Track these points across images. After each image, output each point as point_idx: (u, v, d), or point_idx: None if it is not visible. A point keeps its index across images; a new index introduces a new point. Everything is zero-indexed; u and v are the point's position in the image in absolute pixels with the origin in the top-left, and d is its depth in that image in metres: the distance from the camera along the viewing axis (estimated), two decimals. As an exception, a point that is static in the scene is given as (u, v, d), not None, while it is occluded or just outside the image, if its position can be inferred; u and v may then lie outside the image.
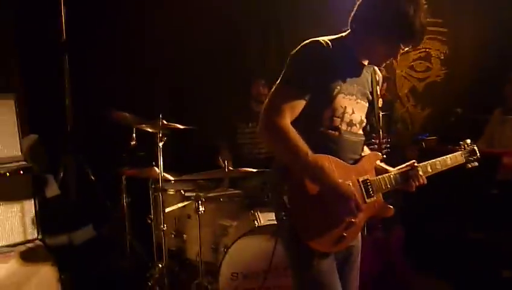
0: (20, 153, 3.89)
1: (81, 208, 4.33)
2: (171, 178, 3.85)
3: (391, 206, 2.33)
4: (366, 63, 2.29)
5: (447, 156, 2.53)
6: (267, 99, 2.13)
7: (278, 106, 2.07)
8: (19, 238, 3.78)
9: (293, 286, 2.23)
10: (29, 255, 3.73)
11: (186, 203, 3.77)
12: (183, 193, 4.10)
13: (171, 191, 4.27)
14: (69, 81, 4.78)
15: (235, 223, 3.71)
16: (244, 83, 4.67)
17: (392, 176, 2.32)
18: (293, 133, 2.05)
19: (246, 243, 3.30)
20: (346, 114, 2.21)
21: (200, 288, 3.59)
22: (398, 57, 2.25)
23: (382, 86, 4.71)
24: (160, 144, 3.69)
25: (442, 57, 5.26)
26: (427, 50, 5.28)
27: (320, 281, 2.15)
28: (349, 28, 2.24)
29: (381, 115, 2.45)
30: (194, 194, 3.72)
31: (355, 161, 2.28)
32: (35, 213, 3.91)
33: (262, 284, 3.21)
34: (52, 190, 4.17)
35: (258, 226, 3.32)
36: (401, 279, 3.58)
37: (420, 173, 2.37)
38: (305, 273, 2.17)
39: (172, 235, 4.16)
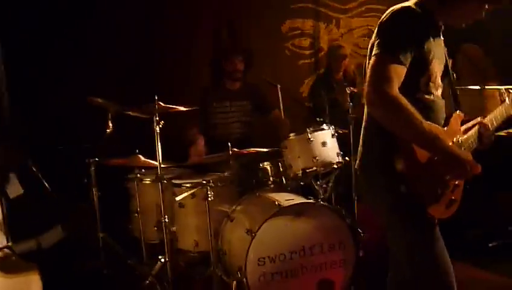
0: (-23, 149, 3.38)
1: (48, 208, 3.83)
2: (161, 165, 3.54)
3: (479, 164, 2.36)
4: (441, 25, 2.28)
5: (500, 107, 2.55)
6: (370, 71, 2.02)
7: (385, 75, 1.98)
8: (-12, 247, 3.30)
9: (409, 258, 2.17)
10: (8, 265, 3.26)
11: (194, 189, 3.51)
12: (165, 181, 3.81)
13: (148, 181, 3.97)
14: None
15: (239, 207, 3.54)
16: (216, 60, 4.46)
17: (475, 134, 2.35)
18: (406, 102, 1.99)
19: (269, 226, 3.16)
20: (437, 78, 2.22)
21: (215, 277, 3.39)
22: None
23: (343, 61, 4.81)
24: (157, 129, 3.37)
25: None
26: (369, 27, 5.46)
27: (438, 251, 2.13)
28: None
29: (454, 78, 2.44)
30: (201, 180, 3.46)
31: (444, 124, 2.28)
32: (3, 217, 3.42)
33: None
34: (15, 189, 3.64)
35: (284, 207, 3.18)
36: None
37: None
38: (425, 243, 2.12)
39: (155, 229, 3.88)
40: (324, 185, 3.79)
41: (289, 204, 3.22)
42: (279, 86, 4.25)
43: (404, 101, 1.98)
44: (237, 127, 4.41)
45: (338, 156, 3.66)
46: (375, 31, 2.17)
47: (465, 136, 2.30)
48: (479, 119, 2.42)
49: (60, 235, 3.89)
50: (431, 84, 2.19)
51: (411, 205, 2.09)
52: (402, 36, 2.05)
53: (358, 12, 5.41)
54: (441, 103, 2.28)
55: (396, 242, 2.21)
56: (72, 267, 3.85)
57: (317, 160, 3.57)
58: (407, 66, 2.05)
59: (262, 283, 3.15)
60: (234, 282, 3.21)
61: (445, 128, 2.25)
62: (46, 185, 4.04)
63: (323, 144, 3.61)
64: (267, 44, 5.09)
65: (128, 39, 4.65)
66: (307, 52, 5.33)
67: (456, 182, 2.20)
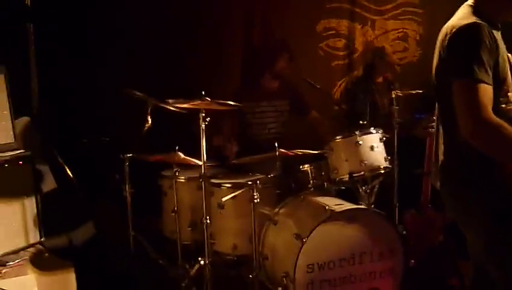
0: (13, 140, 3.24)
1: (81, 203, 3.68)
2: (205, 164, 3.38)
3: None
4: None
5: None
6: (461, 101, 1.94)
7: (478, 101, 1.90)
8: (20, 242, 3.16)
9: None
10: (42, 263, 3.11)
11: (241, 190, 3.35)
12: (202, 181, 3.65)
13: (182, 179, 3.82)
14: (34, 53, 4.04)
15: (282, 210, 3.41)
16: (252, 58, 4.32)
17: None
18: (505, 124, 1.92)
19: (320, 231, 3.02)
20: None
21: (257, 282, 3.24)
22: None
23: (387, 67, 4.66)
24: (203, 125, 3.22)
25: (418, 38, 5.36)
26: (405, 30, 5.34)
27: None
28: None
29: None
30: (246, 181, 3.32)
31: None
32: (37, 211, 3.27)
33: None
34: (49, 182, 3.49)
35: (336, 212, 3.05)
36: (448, 258, 3.56)
37: None
38: None
39: (189, 229, 3.74)
40: (368, 191, 3.65)
41: (341, 209, 3.09)
42: (319, 87, 4.15)
43: (504, 124, 1.91)
44: (274, 127, 4.26)
45: (386, 161, 3.53)
46: (444, 51, 2.07)
47: None
48: None
49: (91, 232, 3.73)
50: (509, 93, 2.10)
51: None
52: (479, 55, 1.95)
53: (394, 14, 5.26)
54: None
55: (501, 262, 2.05)
56: (103, 266, 3.68)
57: (365, 164, 3.44)
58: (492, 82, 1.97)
59: (310, 291, 3.02)
60: (279, 288, 3.07)
61: None
62: (70, 174, 3.88)
63: (371, 147, 3.49)
64: (301, 43, 4.92)
65: (160, 33, 4.50)
66: (341, 53, 5.18)
67: None
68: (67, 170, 3.88)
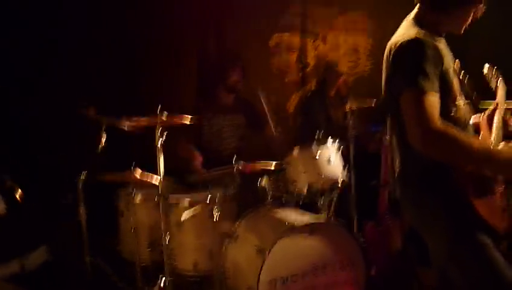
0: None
1: (32, 227, 3.54)
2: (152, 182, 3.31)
3: None
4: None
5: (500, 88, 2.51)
6: (409, 112, 1.98)
7: (426, 112, 1.94)
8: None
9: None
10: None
11: (200, 207, 3.31)
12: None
13: (139, 198, 3.73)
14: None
15: (243, 225, 3.38)
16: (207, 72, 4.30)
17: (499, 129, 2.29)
18: (455, 131, 1.96)
19: (281, 245, 3.00)
20: (458, 89, 2.18)
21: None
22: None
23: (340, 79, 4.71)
24: (160, 142, 3.17)
25: (368, 51, 5.48)
26: (356, 43, 5.44)
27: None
28: (423, 7, 2.19)
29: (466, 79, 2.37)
30: (207, 196, 3.27)
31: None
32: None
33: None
34: (-1, 207, 3.35)
35: (298, 225, 3.04)
36: (408, 266, 3.61)
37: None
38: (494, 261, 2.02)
39: (148, 250, 3.66)
40: (327, 203, 3.67)
41: (301, 222, 3.08)
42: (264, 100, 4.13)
43: (453, 131, 1.95)
44: (231, 142, 4.24)
45: (343, 173, 3.56)
46: (390, 67, 2.14)
47: (494, 137, 2.25)
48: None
49: (44, 257, 3.60)
50: (458, 98, 2.16)
51: (476, 225, 2.01)
52: (423, 68, 1.99)
53: (346, 28, 5.37)
54: (468, 109, 2.24)
55: (463, 267, 2.08)
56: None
57: (323, 176, 3.46)
58: (438, 92, 2.01)
59: (274, 306, 2.99)
60: (243, 304, 3.03)
61: (480, 135, 2.23)
62: (21, 197, 3.74)
63: (328, 160, 3.50)
64: (254, 58, 4.95)
65: (114, 49, 4.44)
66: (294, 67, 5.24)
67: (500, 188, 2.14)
68: (19, 193, 3.74)
